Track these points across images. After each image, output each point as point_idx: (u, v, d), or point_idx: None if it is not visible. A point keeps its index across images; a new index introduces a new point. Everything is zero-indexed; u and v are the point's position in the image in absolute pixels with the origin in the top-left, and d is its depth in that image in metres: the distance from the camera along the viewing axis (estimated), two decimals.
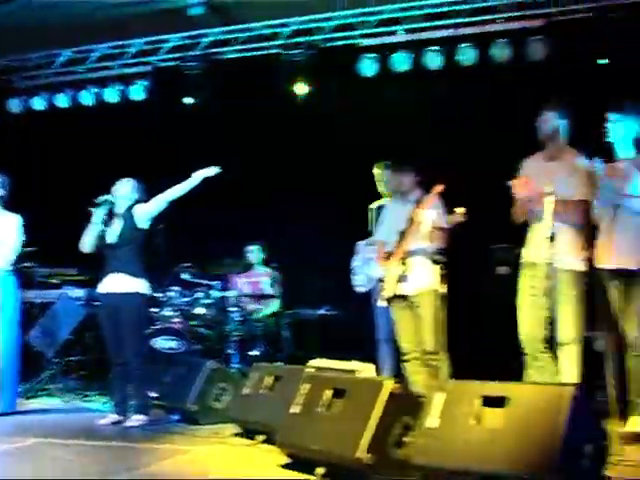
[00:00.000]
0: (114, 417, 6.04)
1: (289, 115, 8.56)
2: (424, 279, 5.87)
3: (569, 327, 5.05)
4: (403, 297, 5.93)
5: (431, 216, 5.68)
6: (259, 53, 8.78)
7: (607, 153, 4.94)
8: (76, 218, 6.21)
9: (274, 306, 8.18)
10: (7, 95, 9.59)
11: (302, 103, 8.50)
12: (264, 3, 7.98)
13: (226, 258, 8.15)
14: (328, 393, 4.41)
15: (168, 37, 8.93)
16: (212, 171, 6.18)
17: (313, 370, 5.15)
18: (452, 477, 3.61)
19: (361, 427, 4.00)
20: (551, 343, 5.07)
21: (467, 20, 7.86)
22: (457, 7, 7.82)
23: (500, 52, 7.64)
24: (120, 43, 9.09)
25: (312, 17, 8.36)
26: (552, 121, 5.22)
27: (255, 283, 8.29)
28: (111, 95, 9.20)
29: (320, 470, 4.17)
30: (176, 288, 7.73)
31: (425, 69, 7.98)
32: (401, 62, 8.03)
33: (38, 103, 9.49)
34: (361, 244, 7.08)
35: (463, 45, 7.79)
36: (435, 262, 5.89)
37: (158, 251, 6.83)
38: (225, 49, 8.84)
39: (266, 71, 8.62)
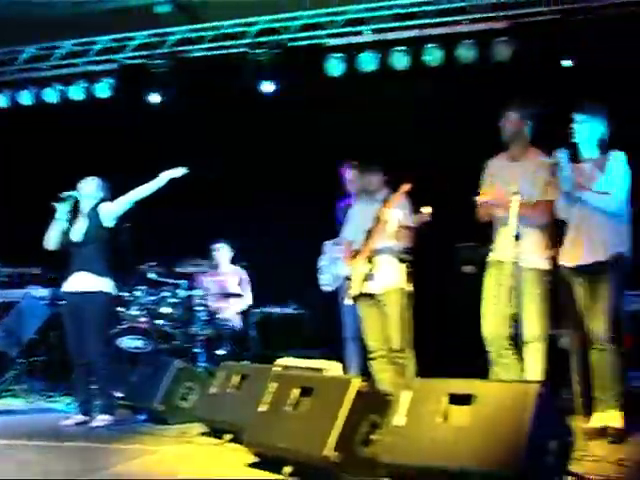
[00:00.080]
0: (78, 417, 6.00)
1: (255, 114, 8.54)
2: (391, 277, 5.91)
3: (534, 325, 5.11)
4: (370, 295, 5.96)
5: (397, 215, 5.72)
6: (226, 52, 8.74)
7: (572, 153, 5.00)
8: (40, 217, 6.17)
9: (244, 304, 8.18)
10: None
11: (268, 102, 8.50)
12: (231, 2, 7.96)
13: (192, 257, 8.11)
14: (295, 392, 4.42)
15: (134, 35, 8.84)
16: (179, 172, 6.17)
17: (280, 369, 5.15)
18: (419, 475, 3.63)
19: (328, 425, 4.01)
20: (516, 341, 5.13)
21: (433, 21, 7.90)
22: (424, 8, 7.86)
23: (466, 53, 7.71)
24: (85, 40, 8.99)
25: (279, 16, 8.34)
26: (515, 121, 5.26)
27: (221, 282, 8.26)
28: (76, 93, 9.09)
29: (287, 469, 4.17)
30: (142, 287, 7.66)
31: (391, 69, 8.01)
32: (368, 62, 8.05)
33: (1, 100, 9.36)
34: (328, 243, 7.10)
35: (429, 46, 7.84)
36: (401, 261, 5.93)
37: (124, 250, 6.78)
38: (192, 47, 8.78)
39: (232, 70, 8.60)
